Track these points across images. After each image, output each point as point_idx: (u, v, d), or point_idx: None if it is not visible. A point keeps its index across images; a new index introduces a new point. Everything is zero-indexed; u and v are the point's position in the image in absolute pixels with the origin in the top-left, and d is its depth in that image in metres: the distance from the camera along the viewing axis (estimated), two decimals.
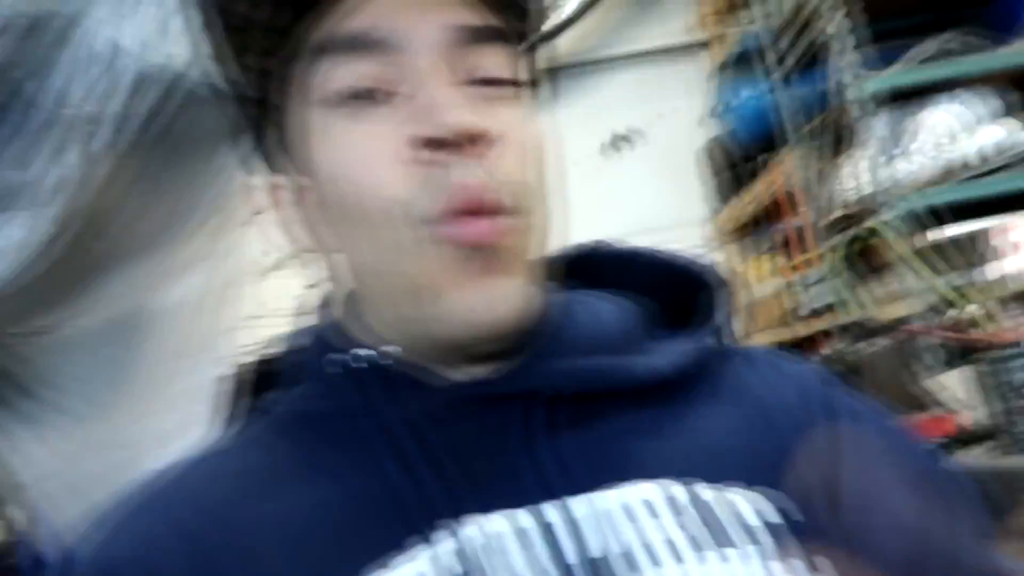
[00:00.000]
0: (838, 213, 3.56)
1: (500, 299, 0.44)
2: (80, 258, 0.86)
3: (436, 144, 0.42)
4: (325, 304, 0.54)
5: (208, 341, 1.12)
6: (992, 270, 3.87)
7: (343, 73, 0.44)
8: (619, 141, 5.68)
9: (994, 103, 3.10)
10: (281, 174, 0.51)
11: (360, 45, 0.44)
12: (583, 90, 5.64)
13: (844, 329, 3.25)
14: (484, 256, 0.43)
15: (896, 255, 3.00)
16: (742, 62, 4.28)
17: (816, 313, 3.72)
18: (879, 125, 3.09)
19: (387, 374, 0.47)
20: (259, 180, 0.53)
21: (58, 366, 1.15)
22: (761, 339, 4.60)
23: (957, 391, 2.35)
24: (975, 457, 2.11)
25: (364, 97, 0.44)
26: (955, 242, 3.34)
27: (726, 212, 5.20)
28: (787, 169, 3.99)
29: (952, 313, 2.71)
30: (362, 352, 0.47)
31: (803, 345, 4.05)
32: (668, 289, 0.53)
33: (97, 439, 1.21)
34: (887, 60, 3.25)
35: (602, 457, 0.45)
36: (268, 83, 0.48)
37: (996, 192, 2.99)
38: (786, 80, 3.79)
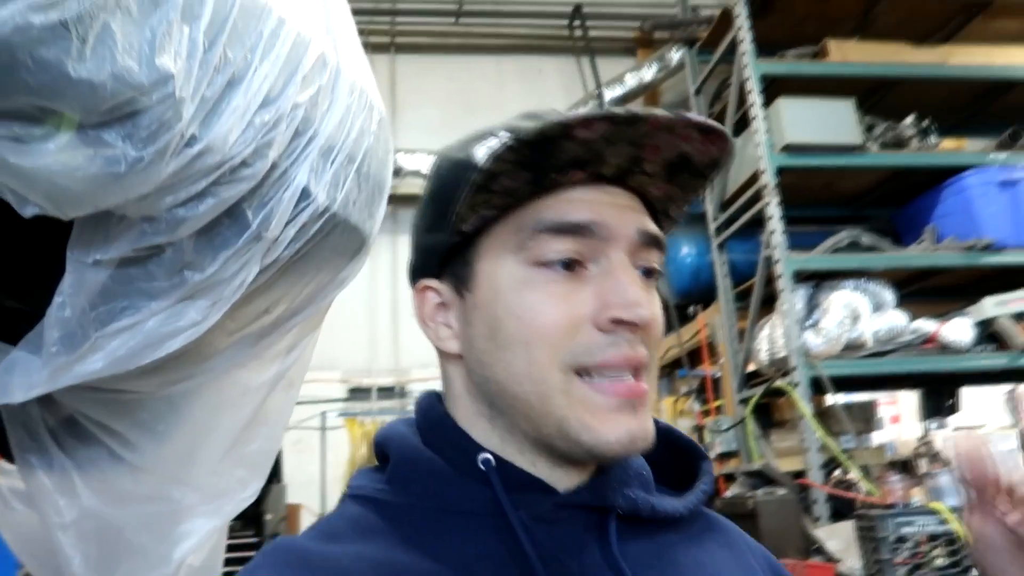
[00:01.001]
0: (752, 369, 4.00)
1: (642, 435, 0.56)
2: (208, 338, 1.08)
3: (623, 323, 0.55)
4: (433, 405, 0.63)
5: (268, 420, 1.33)
6: (877, 437, 4.37)
7: (560, 247, 0.55)
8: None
9: (888, 295, 3.65)
10: (440, 281, 0.62)
11: (578, 231, 0.56)
12: None
13: (745, 475, 3.60)
14: (632, 405, 0.55)
15: (798, 414, 3.42)
16: (686, 222, 4.81)
17: (722, 457, 4.07)
18: (796, 299, 3.57)
19: (511, 477, 0.56)
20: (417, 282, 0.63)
21: (126, 418, 1.30)
22: None
23: (839, 542, 2.70)
24: None
25: (568, 270, 0.56)
26: (848, 409, 3.81)
27: None
28: (713, 322, 4.45)
29: (840, 472, 3.11)
30: (489, 456, 0.57)
31: None
32: (665, 449, 0.66)
33: (141, 490, 1.29)
34: (810, 242, 3.79)
35: (657, 569, 0.58)
36: (484, 227, 0.58)
37: (885, 371, 3.49)
38: (722, 246, 4.30)
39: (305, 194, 1.01)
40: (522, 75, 6.48)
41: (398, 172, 5.60)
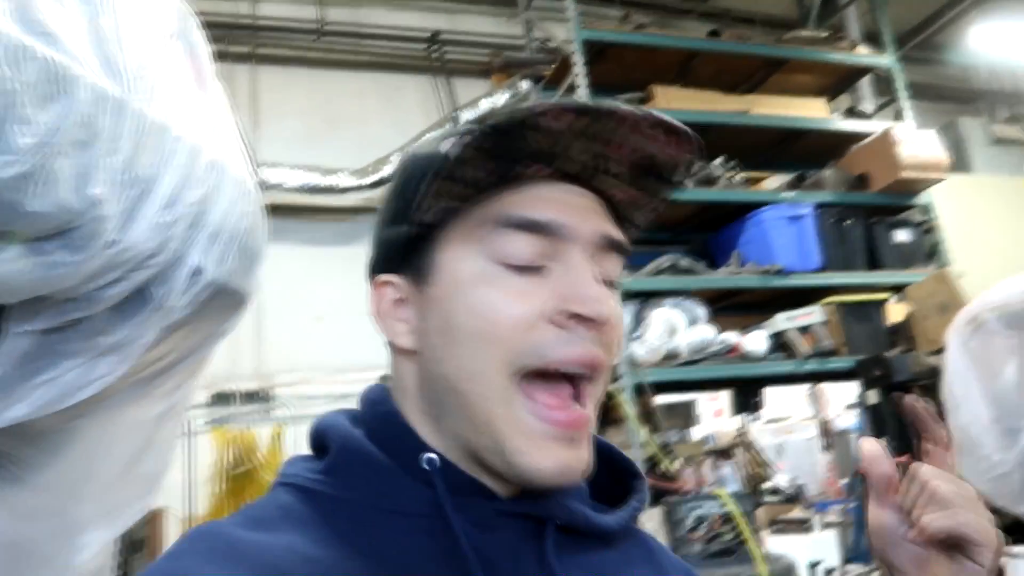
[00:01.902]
0: None
1: (577, 466, 0.54)
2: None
3: (580, 319, 0.53)
4: (383, 399, 0.60)
5: (158, 445, 1.58)
6: (699, 431, 5.00)
7: (520, 244, 0.54)
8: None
9: (701, 311, 4.23)
10: (400, 276, 0.60)
11: (541, 229, 0.55)
12: None
13: None
14: (570, 437, 0.54)
15: (625, 415, 3.93)
16: None
17: None
18: (625, 314, 4.09)
19: (454, 480, 0.55)
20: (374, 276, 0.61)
21: (29, 446, 1.51)
22: None
23: (653, 524, 3.20)
24: None
25: (527, 267, 0.55)
26: (671, 408, 4.38)
27: None
28: None
29: (660, 464, 3.64)
30: (435, 456, 0.54)
31: None
32: (600, 465, 0.64)
33: (43, 508, 1.49)
34: (643, 261, 4.33)
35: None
36: (446, 219, 0.57)
37: (697, 377, 4.07)
38: None
39: (197, 271, 1.29)
40: (382, 92, 6.72)
41: (261, 185, 5.72)
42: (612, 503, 0.66)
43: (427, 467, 0.55)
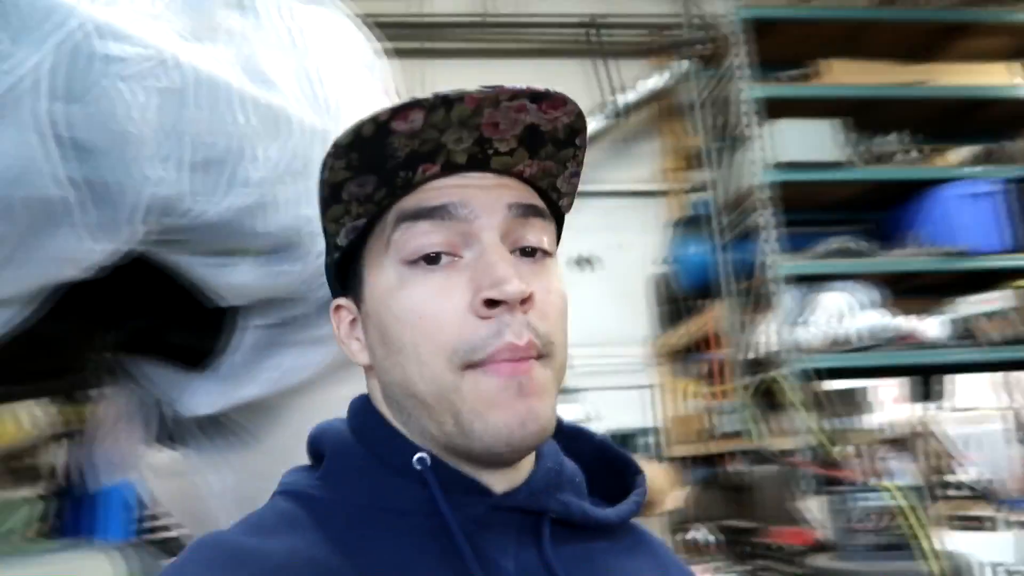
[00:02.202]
0: (751, 358, 4.45)
1: (531, 418, 0.53)
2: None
3: (496, 304, 0.52)
4: (365, 407, 0.61)
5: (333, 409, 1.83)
6: (861, 421, 4.81)
7: (421, 236, 0.53)
8: (582, 262, 6.60)
9: (872, 295, 4.06)
10: (345, 298, 0.60)
11: (436, 214, 0.53)
12: None
13: (744, 453, 4.07)
14: (519, 384, 0.52)
15: (789, 401, 3.87)
16: (692, 223, 5.25)
17: (726, 435, 4.54)
18: (787, 298, 4.01)
19: (446, 478, 0.55)
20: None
21: (253, 417, 1.81)
22: (678, 451, 5.39)
23: (816, 512, 3.16)
24: (822, 562, 2.89)
25: (434, 259, 0.53)
26: (838, 395, 4.25)
27: (664, 338, 6.09)
28: (717, 314, 4.90)
29: (826, 451, 3.57)
30: (425, 456, 0.55)
31: (712, 461, 4.85)
32: (600, 462, 0.66)
33: (268, 468, 1.82)
34: (801, 245, 4.22)
35: (588, 573, 0.58)
36: (363, 236, 0.57)
37: (869, 364, 3.92)
38: (724, 247, 4.74)
39: None
40: (544, 78, 6.86)
41: None
42: (614, 500, 0.64)
43: (419, 467, 0.55)
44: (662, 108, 6.75)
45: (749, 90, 4.19)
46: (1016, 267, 3.96)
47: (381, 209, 0.56)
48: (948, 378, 4.78)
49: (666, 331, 6.02)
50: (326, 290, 1.46)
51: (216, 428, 1.86)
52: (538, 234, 0.56)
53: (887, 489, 2.69)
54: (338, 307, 0.61)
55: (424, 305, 0.53)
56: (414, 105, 0.50)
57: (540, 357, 0.54)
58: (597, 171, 6.65)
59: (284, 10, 1.55)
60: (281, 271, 1.29)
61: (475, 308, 0.52)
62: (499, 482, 0.57)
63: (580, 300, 6.43)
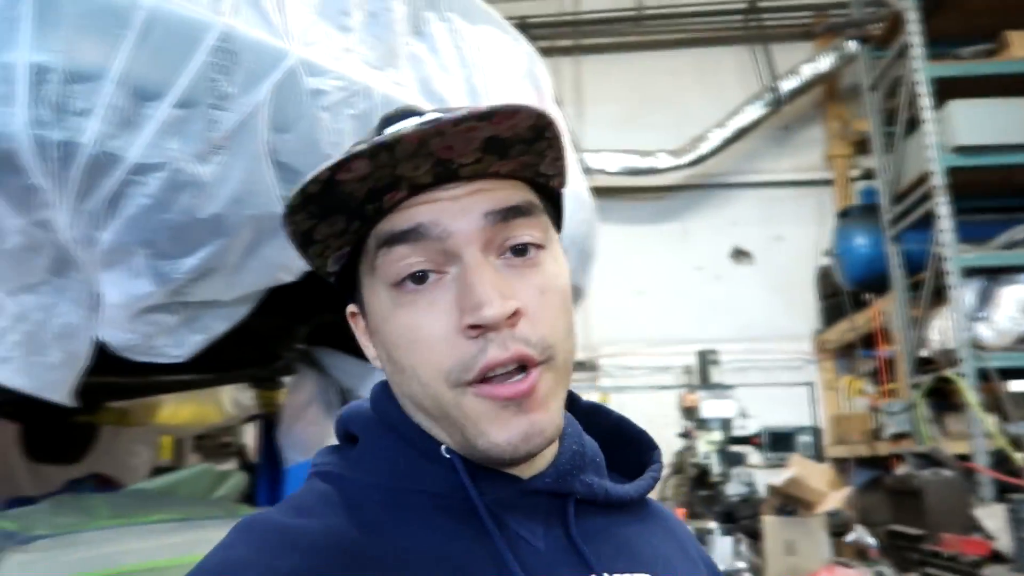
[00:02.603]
0: (923, 355, 4.21)
1: (535, 432, 0.53)
2: None
3: (479, 327, 0.52)
4: (387, 397, 0.61)
5: None
6: None
7: (400, 261, 0.53)
8: (738, 255, 6.45)
9: None
10: (357, 308, 0.61)
11: (410, 237, 0.53)
12: (715, 206, 6.48)
13: (914, 455, 3.86)
14: (517, 404, 0.53)
15: (965, 402, 3.64)
16: (859, 213, 5.01)
17: (894, 437, 4.31)
18: (966, 292, 3.76)
19: (471, 464, 0.56)
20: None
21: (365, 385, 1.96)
22: (840, 451, 5.16)
23: (997, 521, 2.96)
24: (999, 574, 2.72)
25: (420, 278, 0.54)
26: (1018, 397, 3.94)
27: (826, 334, 5.84)
28: (887, 309, 4.65)
29: (1008, 456, 3.32)
30: (449, 445, 0.56)
31: (877, 463, 4.62)
32: (618, 438, 0.68)
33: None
34: (979, 235, 3.93)
35: (613, 548, 0.60)
36: (350, 262, 0.58)
37: None
38: (894, 238, 4.49)
39: None
40: (698, 68, 6.77)
41: (587, 170, 6.15)
42: (630, 475, 0.66)
43: (447, 455, 0.56)
44: (827, 92, 6.45)
45: (924, 70, 3.94)
46: None
47: (361, 236, 0.56)
48: None
49: (829, 327, 5.77)
50: None
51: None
52: (526, 230, 0.55)
53: None
54: (353, 314, 0.62)
55: (416, 329, 0.53)
56: (353, 158, 0.49)
57: (537, 364, 0.53)
58: (755, 161, 6.47)
59: (455, 33, 1.70)
60: None
61: (461, 329, 0.52)
62: (524, 468, 0.58)
63: (735, 294, 6.29)
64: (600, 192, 6.66)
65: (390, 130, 0.52)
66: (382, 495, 0.57)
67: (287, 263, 1.20)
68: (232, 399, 3.23)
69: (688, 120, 6.30)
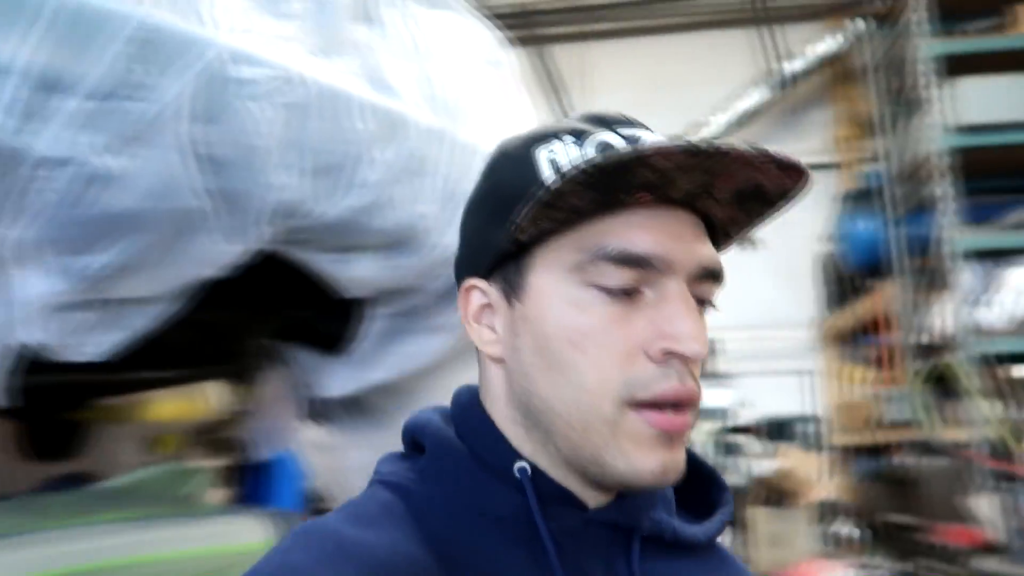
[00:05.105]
0: (924, 342, 4.12)
1: (673, 468, 0.54)
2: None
3: (674, 355, 0.53)
4: (475, 402, 0.61)
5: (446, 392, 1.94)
6: None
7: (618, 275, 0.53)
8: (744, 241, 6.36)
9: None
10: (488, 283, 0.59)
11: (639, 263, 0.53)
12: None
13: (913, 444, 3.79)
14: (669, 437, 0.54)
15: (965, 389, 3.56)
16: (862, 196, 4.91)
17: (894, 424, 4.24)
18: (967, 276, 3.67)
19: (544, 488, 0.56)
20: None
21: (388, 400, 1.95)
22: (842, 439, 5.09)
23: (988, 510, 2.90)
24: (991, 565, 2.67)
25: (622, 291, 0.54)
26: (1019, 383, 3.85)
27: (829, 320, 5.75)
28: (887, 295, 4.56)
29: (1006, 445, 3.25)
30: (526, 465, 0.56)
31: (878, 451, 4.55)
32: (689, 474, 0.62)
33: (393, 446, 1.98)
34: (985, 217, 3.83)
35: None
36: (541, 238, 0.56)
37: None
38: (897, 221, 4.39)
39: None
40: (706, 52, 6.65)
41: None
42: (697, 514, 0.65)
43: (518, 475, 0.56)
44: (835, 74, 6.31)
45: (928, 47, 3.84)
46: None
47: (579, 217, 0.55)
48: None
49: (831, 313, 5.68)
50: (442, 282, 1.53)
51: (357, 408, 2.04)
52: (711, 290, 0.57)
53: None
54: (471, 287, 0.60)
55: (602, 334, 0.54)
56: (685, 150, 0.50)
57: (692, 409, 0.55)
58: (763, 144, 6.30)
59: (409, 19, 1.65)
60: (398, 264, 1.40)
61: (652, 352, 0.53)
62: (593, 497, 0.57)
63: (738, 280, 6.15)
64: None
65: (657, 139, 0.54)
66: (444, 512, 0.57)
67: (211, 256, 1.17)
68: (218, 394, 3.24)
69: (697, 104, 6.20)
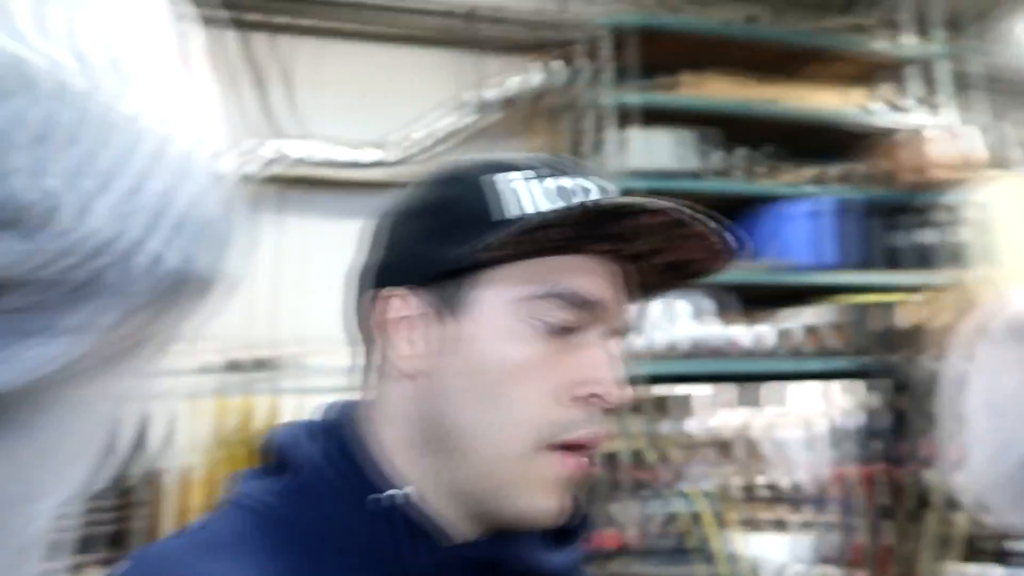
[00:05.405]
0: None
1: (564, 509, 0.56)
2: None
3: (600, 400, 0.54)
4: (351, 421, 0.58)
5: (118, 422, 1.69)
6: (690, 424, 5.02)
7: (562, 314, 0.54)
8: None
9: (707, 303, 4.23)
10: (416, 295, 0.57)
11: (586, 306, 0.55)
12: None
13: None
14: (570, 482, 0.55)
15: None
16: None
17: None
18: None
19: (413, 519, 0.54)
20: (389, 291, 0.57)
21: (18, 405, 1.64)
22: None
23: (630, 516, 3.25)
24: (616, 566, 2.96)
25: (560, 329, 0.55)
26: (667, 400, 4.41)
27: None
28: None
29: (644, 455, 3.68)
30: (398, 494, 0.54)
31: None
32: None
33: (6, 473, 1.67)
34: None
35: None
36: (492, 263, 0.55)
37: (696, 371, 4.07)
38: None
39: (158, 259, 1.36)
40: (411, 66, 6.71)
41: (284, 159, 5.75)
42: (556, 536, 0.65)
43: (386, 504, 0.54)
44: (535, 109, 6.75)
45: (611, 96, 4.25)
46: (841, 283, 4.23)
47: (542, 251, 0.55)
48: (779, 384, 5.06)
49: None
50: (74, 274, 1.30)
51: None
52: (619, 346, 0.60)
53: (686, 494, 2.79)
54: (389, 297, 0.59)
55: (535, 369, 0.54)
56: (671, 212, 0.52)
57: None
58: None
59: None
60: (8, 249, 1.13)
61: (577, 395, 0.55)
62: (468, 528, 0.57)
63: None
64: (303, 183, 6.31)
65: (646, 201, 0.53)
66: (305, 542, 0.54)
67: None
68: None
69: (398, 116, 6.22)
